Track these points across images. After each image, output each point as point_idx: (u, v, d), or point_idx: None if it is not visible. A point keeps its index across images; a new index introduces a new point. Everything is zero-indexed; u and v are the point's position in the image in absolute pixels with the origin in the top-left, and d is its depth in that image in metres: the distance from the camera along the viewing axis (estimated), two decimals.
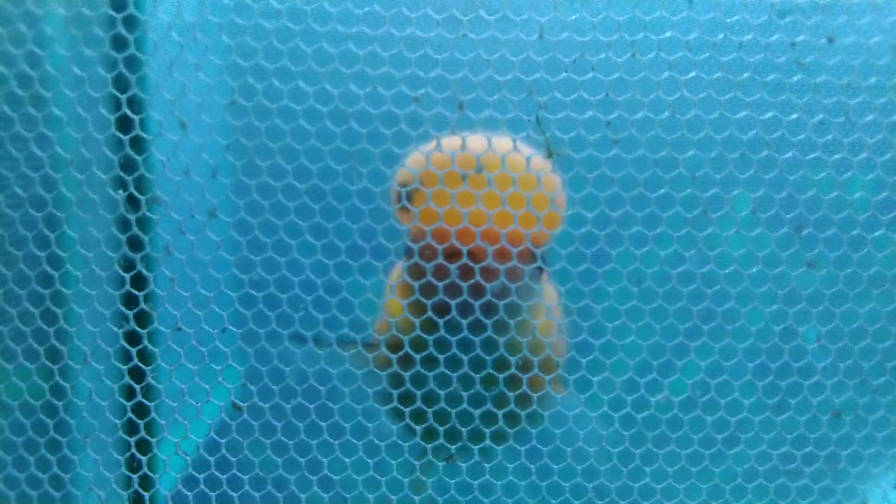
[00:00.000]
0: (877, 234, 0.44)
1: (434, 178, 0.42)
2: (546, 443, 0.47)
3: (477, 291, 0.42)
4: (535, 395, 0.45)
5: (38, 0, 0.45)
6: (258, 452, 0.48)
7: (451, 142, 0.42)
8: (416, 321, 0.44)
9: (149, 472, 0.50)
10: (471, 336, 0.43)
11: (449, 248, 0.42)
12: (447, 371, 0.44)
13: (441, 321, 0.43)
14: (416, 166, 0.43)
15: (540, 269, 0.44)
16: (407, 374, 0.45)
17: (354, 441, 0.47)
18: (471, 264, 0.42)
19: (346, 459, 0.47)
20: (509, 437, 0.47)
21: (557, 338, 0.47)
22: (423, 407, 0.45)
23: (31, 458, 0.49)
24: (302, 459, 0.48)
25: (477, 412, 0.45)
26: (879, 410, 0.46)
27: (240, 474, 0.48)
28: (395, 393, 0.46)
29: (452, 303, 0.42)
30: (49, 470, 0.49)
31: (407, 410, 0.46)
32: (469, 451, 0.47)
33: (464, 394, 0.44)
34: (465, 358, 0.44)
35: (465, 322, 0.43)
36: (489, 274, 0.42)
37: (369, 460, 0.47)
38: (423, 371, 0.45)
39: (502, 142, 0.42)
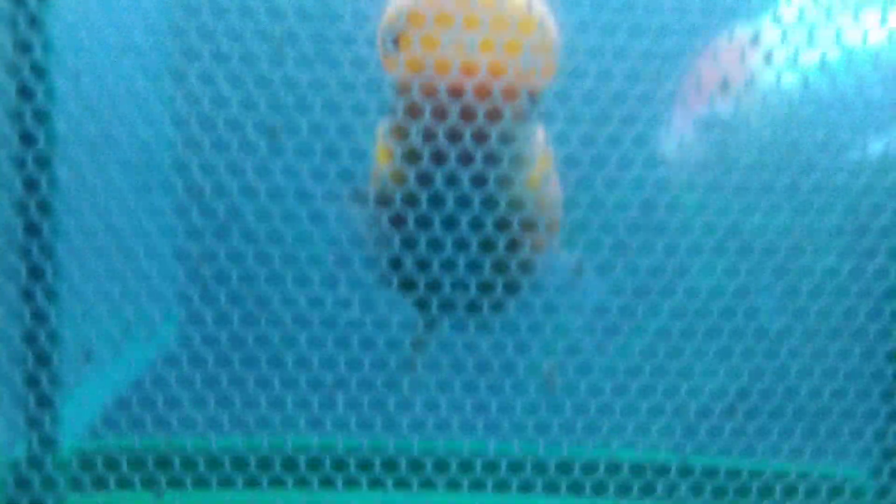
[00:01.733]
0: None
1: (423, 19, 0.37)
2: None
3: (468, 127, 0.38)
4: (536, 257, 0.41)
5: None
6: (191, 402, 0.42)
7: None
8: (405, 168, 0.39)
9: (51, 428, 0.44)
10: (466, 189, 0.39)
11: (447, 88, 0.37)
12: (440, 228, 0.39)
13: (431, 166, 0.39)
14: (404, 7, 0.38)
15: (531, 110, 0.40)
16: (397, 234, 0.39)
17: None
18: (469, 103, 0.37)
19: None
20: (507, 306, 0.42)
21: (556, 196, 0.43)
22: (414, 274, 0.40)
23: None
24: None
25: (474, 279, 0.40)
26: (839, 376, 0.44)
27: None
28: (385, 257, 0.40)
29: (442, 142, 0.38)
30: None
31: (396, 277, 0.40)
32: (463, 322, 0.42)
33: (458, 255, 0.39)
34: (459, 212, 0.39)
35: (456, 164, 0.38)
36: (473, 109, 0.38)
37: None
38: (414, 229, 0.39)
39: None
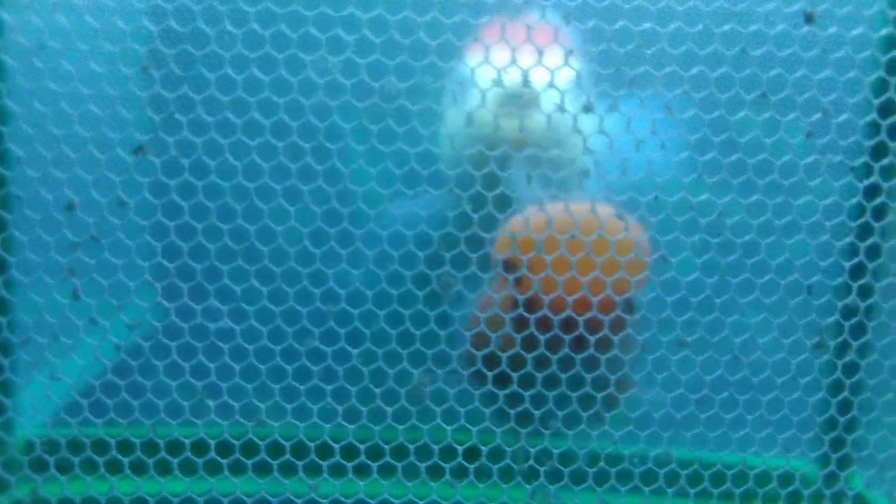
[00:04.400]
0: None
1: (555, 243, 0.43)
2: None
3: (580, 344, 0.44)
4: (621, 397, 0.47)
5: None
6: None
7: (551, 210, 0.43)
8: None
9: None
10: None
11: (567, 316, 0.43)
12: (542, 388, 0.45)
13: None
14: (533, 232, 0.43)
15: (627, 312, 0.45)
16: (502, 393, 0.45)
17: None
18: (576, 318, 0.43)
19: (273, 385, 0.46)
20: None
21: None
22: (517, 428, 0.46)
23: None
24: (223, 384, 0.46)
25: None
26: (788, 370, 0.45)
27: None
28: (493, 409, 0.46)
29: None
30: None
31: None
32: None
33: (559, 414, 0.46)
34: (564, 377, 0.45)
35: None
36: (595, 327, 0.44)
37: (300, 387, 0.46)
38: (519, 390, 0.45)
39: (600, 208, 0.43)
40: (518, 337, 0.44)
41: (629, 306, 0.44)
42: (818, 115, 0.42)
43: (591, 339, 0.43)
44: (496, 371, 0.45)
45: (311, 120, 0.41)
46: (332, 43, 0.40)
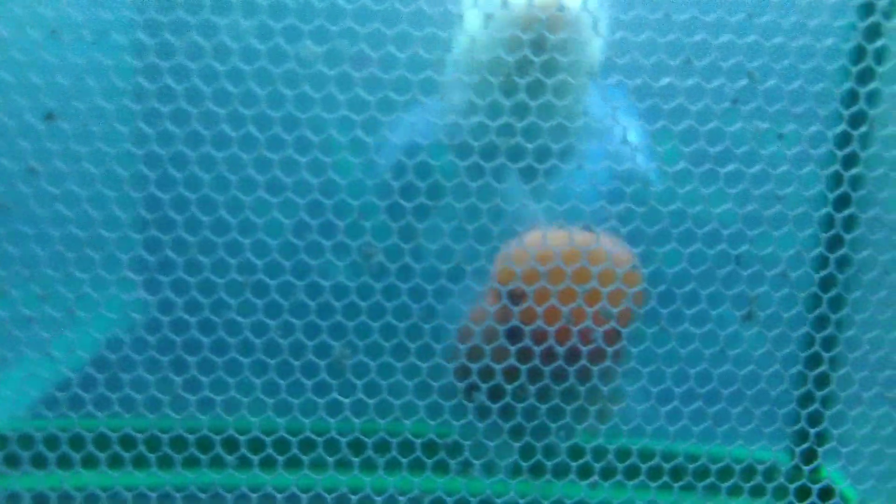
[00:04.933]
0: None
1: (537, 276, 0.42)
2: None
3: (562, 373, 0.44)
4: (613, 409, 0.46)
5: None
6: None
7: (534, 237, 0.43)
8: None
9: None
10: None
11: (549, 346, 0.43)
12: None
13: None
14: (518, 264, 0.43)
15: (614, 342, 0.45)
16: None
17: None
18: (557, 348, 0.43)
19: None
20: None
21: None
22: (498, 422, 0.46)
23: None
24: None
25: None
26: (766, 345, 0.45)
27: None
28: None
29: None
30: None
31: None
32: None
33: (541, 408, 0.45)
34: (552, 387, 0.44)
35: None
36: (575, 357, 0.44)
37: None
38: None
39: (583, 236, 0.43)
40: (505, 363, 0.43)
41: (612, 337, 0.43)
42: (744, 82, 0.41)
43: (572, 368, 0.43)
44: (483, 396, 0.44)
45: (226, 86, 0.40)
46: (246, 6, 0.40)
